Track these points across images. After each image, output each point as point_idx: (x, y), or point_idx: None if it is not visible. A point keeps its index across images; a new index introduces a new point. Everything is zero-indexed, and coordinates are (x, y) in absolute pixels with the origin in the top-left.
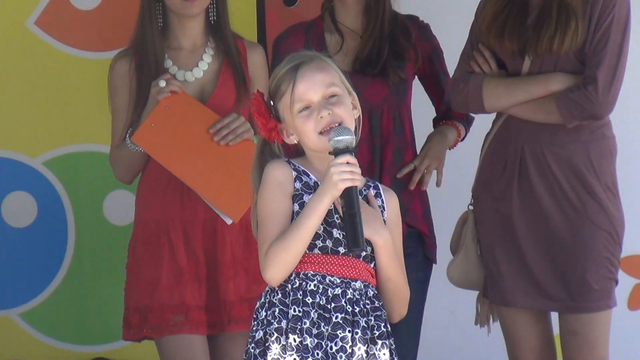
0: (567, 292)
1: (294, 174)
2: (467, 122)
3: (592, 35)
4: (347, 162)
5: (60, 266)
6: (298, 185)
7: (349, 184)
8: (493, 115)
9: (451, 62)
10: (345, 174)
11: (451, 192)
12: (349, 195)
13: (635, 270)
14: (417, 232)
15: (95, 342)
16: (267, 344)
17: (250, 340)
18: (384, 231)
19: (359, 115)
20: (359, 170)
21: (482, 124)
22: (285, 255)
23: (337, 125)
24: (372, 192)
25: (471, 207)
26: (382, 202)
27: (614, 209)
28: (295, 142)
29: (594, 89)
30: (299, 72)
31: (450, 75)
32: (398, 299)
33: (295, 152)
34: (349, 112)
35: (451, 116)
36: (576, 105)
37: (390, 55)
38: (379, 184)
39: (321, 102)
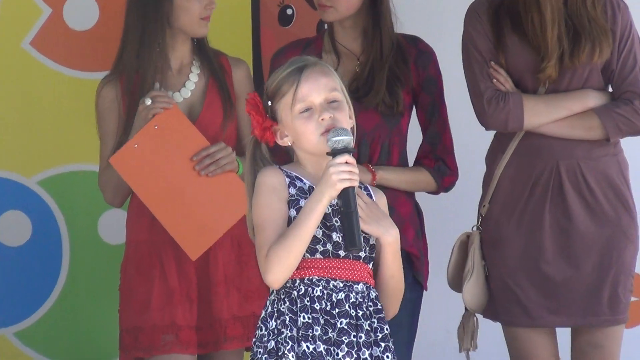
0: (599, 306)
1: (287, 180)
2: (437, 175)
3: (617, 52)
4: (346, 162)
5: (55, 285)
6: (293, 190)
7: (347, 184)
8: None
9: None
10: (344, 173)
11: (448, 214)
12: (346, 195)
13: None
14: (406, 253)
15: None
16: (280, 353)
17: (261, 350)
18: (392, 230)
19: (353, 126)
20: (357, 170)
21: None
22: (287, 256)
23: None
24: (364, 192)
25: (475, 229)
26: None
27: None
28: (289, 144)
29: None
30: (303, 74)
31: (447, 109)
32: (397, 296)
33: (282, 160)
34: (348, 120)
35: (422, 163)
36: (625, 120)
37: (387, 81)
38: (368, 186)
39: (323, 104)
